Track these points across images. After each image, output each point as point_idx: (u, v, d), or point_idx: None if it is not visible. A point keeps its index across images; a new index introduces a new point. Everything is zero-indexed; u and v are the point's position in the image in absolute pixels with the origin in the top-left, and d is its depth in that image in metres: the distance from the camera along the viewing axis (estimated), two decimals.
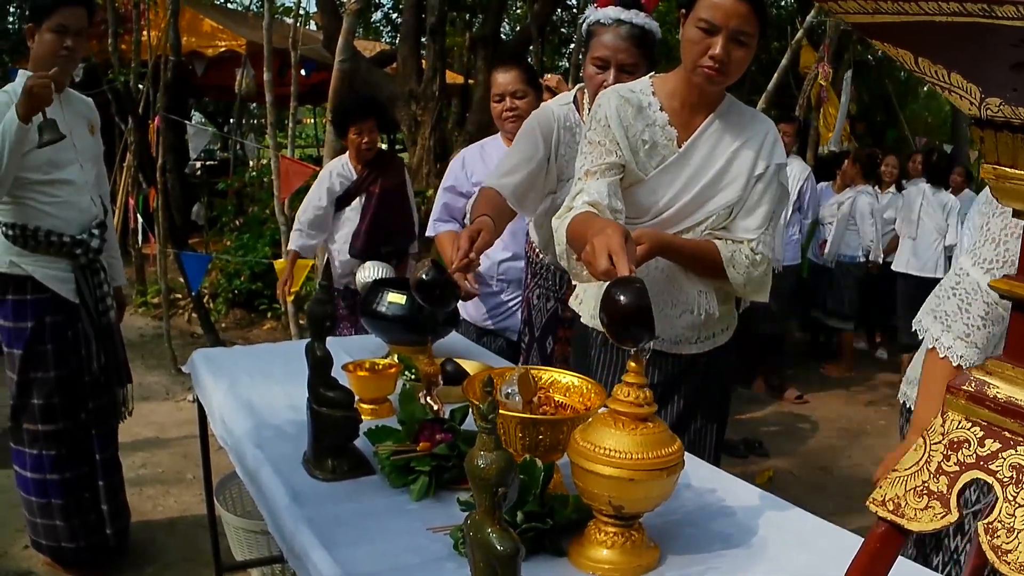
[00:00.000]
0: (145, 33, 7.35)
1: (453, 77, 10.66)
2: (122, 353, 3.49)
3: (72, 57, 3.08)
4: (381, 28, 16.59)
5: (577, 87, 2.73)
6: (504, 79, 3.41)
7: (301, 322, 5.90)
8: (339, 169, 4.48)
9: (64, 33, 3.02)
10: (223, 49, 9.81)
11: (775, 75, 6.71)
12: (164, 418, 5.31)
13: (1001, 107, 0.80)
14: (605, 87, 2.45)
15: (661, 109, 2.22)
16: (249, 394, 2.33)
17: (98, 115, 3.46)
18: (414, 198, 4.76)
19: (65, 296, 3.20)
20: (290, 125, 6.06)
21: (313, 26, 11.57)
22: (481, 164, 3.44)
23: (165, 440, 4.97)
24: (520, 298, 3.36)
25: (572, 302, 2.51)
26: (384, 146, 16.43)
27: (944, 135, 15.62)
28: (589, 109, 2.57)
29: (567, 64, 15.62)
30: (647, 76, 2.32)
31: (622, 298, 1.47)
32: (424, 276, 2.13)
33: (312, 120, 19.11)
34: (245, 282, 7.67)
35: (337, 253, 4.53)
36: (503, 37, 11.56)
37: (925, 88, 17.72)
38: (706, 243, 2.21)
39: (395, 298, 2.37)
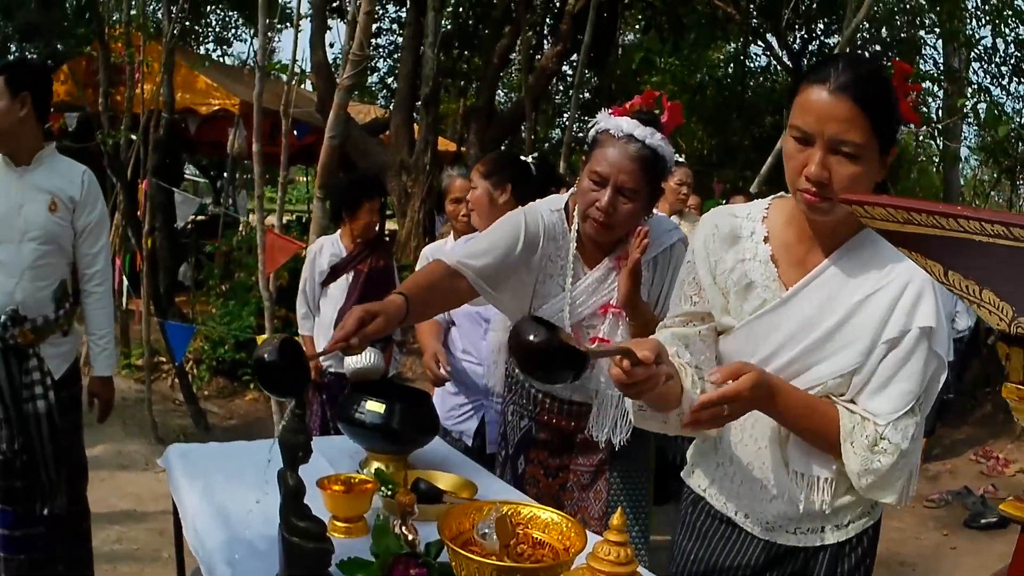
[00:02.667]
0: (139, 87, 7.34)
1: (446, 144, 10.70)
2: (56, 443, 3.26)
3: None
4: (376, 92, 16.66)
5: (570, 193, 2.48)
6: (461, 184, 3.70)
7: None
8: (330, 248, 4.42)
9: None
10: (216, 107, 9.82)
11: (771, 154, 6.72)
12: (142, 489, 5.18)
13: None
14: (598, 208, 2.26)
15: (765, 240, 1.76)
16: (223, 499, 2.26)
17: (78, 188, 3.19)
18: (398, 277, 4.61)
19: None
20: (279, 195, 6.02)
21: (309, 86, 11.60)
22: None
23: (142, 513, 4.84)
24: (478, 405, 3.37)
25: (690, 449, 2.05)
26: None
27: None
28: (577, 223, 2.40)
29: (560, 133, 15.76)
30: (773, 196, 1.86)
31: (529, 335, 1.47)
32: (265, 356, 1.71)
33: (304, 179, 19.23)
34: (229, 351, 7.57)
35: (322, 331, 4.39)
36: (497, 106, 11.67)
37: (918, 162, 18.03)
38: (826, 403, 1.69)
39: (373, 406, 2.30)
